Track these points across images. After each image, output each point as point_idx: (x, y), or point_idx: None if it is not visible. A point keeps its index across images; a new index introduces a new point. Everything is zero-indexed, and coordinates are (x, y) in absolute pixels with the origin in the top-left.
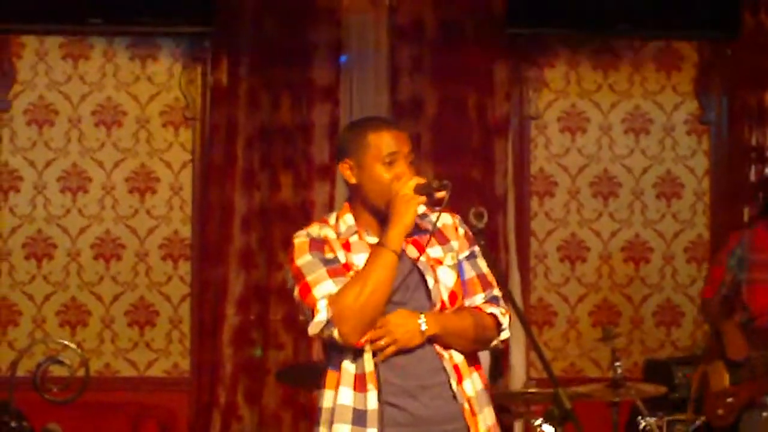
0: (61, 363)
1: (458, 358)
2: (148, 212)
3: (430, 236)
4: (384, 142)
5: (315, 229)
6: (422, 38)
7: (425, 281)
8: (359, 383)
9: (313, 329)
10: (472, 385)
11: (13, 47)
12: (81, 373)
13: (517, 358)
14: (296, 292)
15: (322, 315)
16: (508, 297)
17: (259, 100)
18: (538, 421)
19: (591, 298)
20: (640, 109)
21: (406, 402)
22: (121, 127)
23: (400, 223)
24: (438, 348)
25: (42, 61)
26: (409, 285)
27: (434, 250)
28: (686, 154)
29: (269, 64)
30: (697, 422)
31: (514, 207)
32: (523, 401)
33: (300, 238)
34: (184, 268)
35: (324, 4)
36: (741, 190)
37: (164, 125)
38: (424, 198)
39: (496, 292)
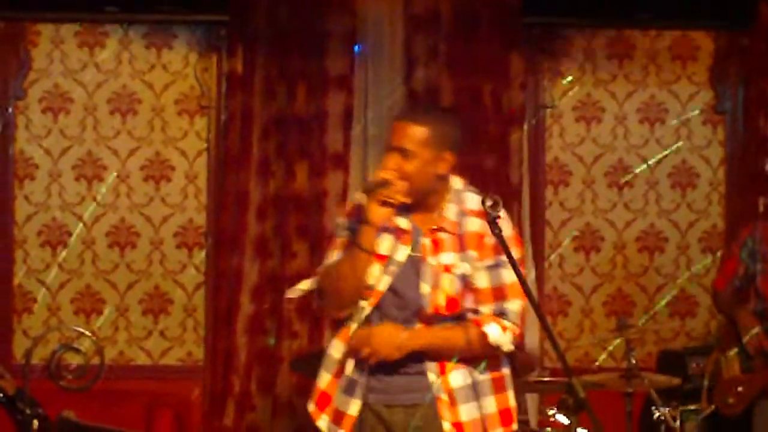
0: (75, 351)
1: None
2: (162, 200)
3: (459, 237)
4: (390, 132)
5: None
6: (437, 28)
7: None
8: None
9: (291, 292)
10: (462, 377)
11: (29, 35)
12: (96, 361)
13: (532, 347)
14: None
15: (306, 284)
16: (523, 288)
17: (273, 88)
18: (552, 411)
19: (605, 288)
20: (656, 99)
21: (382, 374)
22: (137, 115)
23: (365, 221)
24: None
25: (57, 49)
26: (409, 279)
27: (447, 256)
28: (702, 143)
29: (284, 53)
30: (707, 411)
31: (528, 196)
32: (537, 390)
33: (352, 200)
34: (199, 256)
35: None
36: (756, 180)
37: (179, 114)
38: (375, 199)
39: (511, 305)
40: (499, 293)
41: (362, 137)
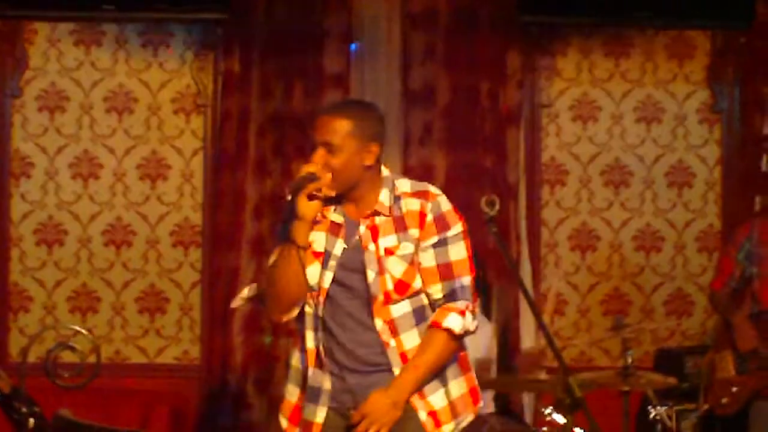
0: (72, 349)
1: (409, 345)
2: (159, 199)
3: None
4: (314, 128)
5: None
6: (434, 26)
7: (366, 272)
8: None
9: (234, 302)
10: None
11: (25, 33)
12: (92, 359)
13: (528, 346)
14: None
15: (245, 292)
16: (520, 287)
17: (270, 87)
18: (549, 410)
19: (602, 287)
20: (652, 98)
21: (346, 375)
22: (133, 113)
23: (296, 216)
24: (383, 337)
25: (54, 48)
26: (354, 270)
27: (388, 239)
28: (698, 143)
29: (281, 52)
30: (702, 410)
31: (525, 195)
32: (533, 390)
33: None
34: (195, 255)
35: None
36: (753, 180)
37: (176, 112)
38: (304, 194)
39: (463, 281)
40: (446, 271)
41: None
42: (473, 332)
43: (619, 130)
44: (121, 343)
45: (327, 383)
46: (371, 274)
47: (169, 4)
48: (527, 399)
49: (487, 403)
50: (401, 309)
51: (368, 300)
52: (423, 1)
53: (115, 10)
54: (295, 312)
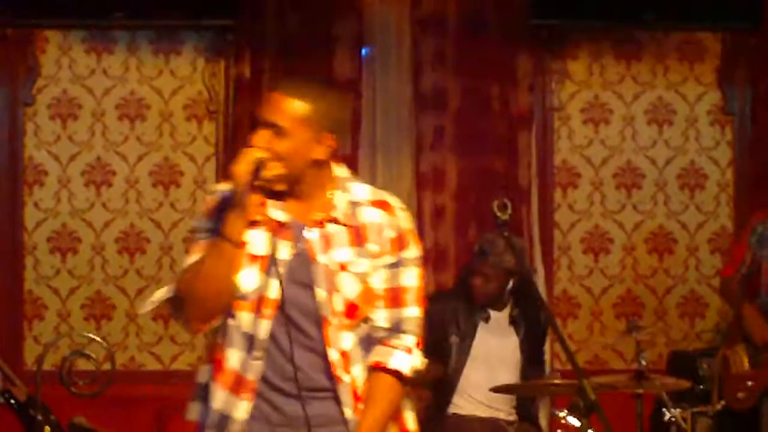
0: (86, 357)
1: (360, 382)
2: (172, 206)
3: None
4: (262, 104)
5: (224, 186)
6: (445, 30)
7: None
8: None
9: (141, 307)
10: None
11: (37, 41)
12: (107, 366)
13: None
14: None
15: (159, 293)
16: (533, 290)
17: None
18: (563, 413)
19: (615, 289)
20: (664, 100)
21: (280, 402)
22: (145, 120)
23: (235, 207)
24: (337, 371)
25: (65, 56)
26: (300, 283)
27: (341, 252)
28: (710, 144)
29: (292, 58)
30: (718, 407)
31: (537, 199)
32: (548, 393)
33: (211, 195)
34: None
35: None
36: (765, 181)
37: (188, 119)
38: (249, 178)
39: (408, 312)
40: (395, 297)
41: (370, 141)
42: (421, 371)
43: (630, 133)
44: (136, 351)
45: (242, 412)
46: (321, 292)
47: (179, 11)
48: (541, 402)
49: (508, 410)
50: (352, 338)
51: (319, 322)
52: (433, 6)
53: (126, 18)
54: (217, 322)
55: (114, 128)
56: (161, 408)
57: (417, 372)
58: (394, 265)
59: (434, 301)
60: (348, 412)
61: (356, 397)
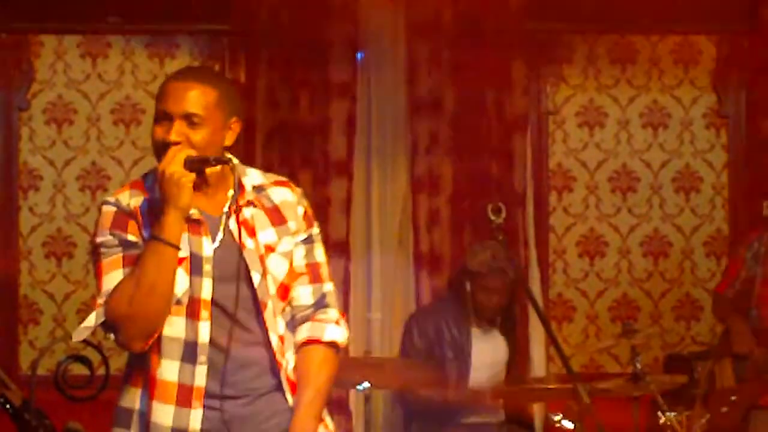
0: (81, 361)
1: (292, 365)
2: None
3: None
4: (160, 94)
5: (125, 197)
6: (440, 34)
7: (250, 275)
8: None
9: (77, 335)
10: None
11: (32, 46)
12: (101, 371)
13: (537, 353)
14: (94, 273)
15: (91, 320)
16: (528, 294)
17: (276, 97)
18: (558, 416)
19: (610, 293)
20: (658, 104)
21: (224, 405)
22: (140, 125)
23: (174, 208)
24: (278, 356)
25: (60, 60)
26: (228, 272)
27: (266, 234)
28: (705, 148)
29: (287, 62)
30: (703, 419)
31: (532, 202)
32: (542, 398)
33: (107, 207)
34: None
35: (341, 0)
36: (760, 184)
37: None
38: (193, 176)
39: (327, 287)
40: (315, 273)
41: (366, 145)
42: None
43: (625, 136)
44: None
45: (196, 423)
46: (257, 277)
47: (174, 15)
48: (536, 406)
49: (498, 411)
50: (283, 320)
51: (256, 310)
52: (428, 10)
53: (120, 22)
54: (157, 334)
55: (109, 133)
56: None
57: (346, 342)
58: (308, 241)
59: (422, 318)
60: (290, 399)
61: (291, 383)
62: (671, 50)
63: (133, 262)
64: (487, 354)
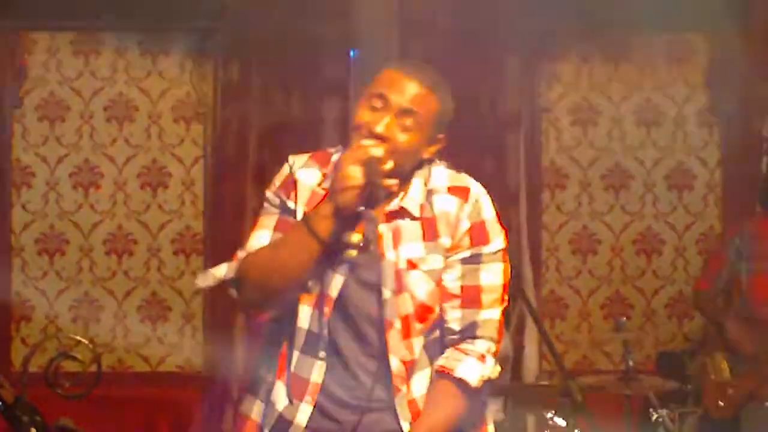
0: (73, 358)
1: (417, 391)
2: (160, 207)
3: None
4: (381, 78)
5: (300, 162)
6: (433, 32)
7: (380, 289)
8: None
9: (203, 280)
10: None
11: (25, 44)
12: (93, 368)
13: (530, 350)
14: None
15: (222, 270)
16: (520, 293)
17: (269, 95)
18: (551, 414)
19: (603, 290)
20: (652, 102)
21: (336, 411)
22: (133, 122)
23: (332, 202)
24: (396, 381)
25: (53, 57)
26: (364, 279)
27: (412, 248)
28: (698, 145)
29: (280, 60)
30: (698, 413)
31: (525, 200)
32: (535, 394)
33: (286, 166)
34: (197, 263)
35: None
36: (753, 182)
37: (176, 120)
38: (361, 185)
39: (484, 315)
40: (471, 297)
41: None
42: (493, 379)
43: (618, 134)
44: (123, 352)
45: (302, 418)
46: (386, 293)
47: (167, 12)
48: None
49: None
50: (419, 344)
51: (381, 327)
52: (421, 8)
53: (113, 20)
54: (276, 312)
55: (102, 130)
56: (149, 410)
57: (487, 382)
58: (472, 261)
59: None
60: (405, 426)
61: (412, 408)
62: (664, 48)
63: (286, 228)
64: None
